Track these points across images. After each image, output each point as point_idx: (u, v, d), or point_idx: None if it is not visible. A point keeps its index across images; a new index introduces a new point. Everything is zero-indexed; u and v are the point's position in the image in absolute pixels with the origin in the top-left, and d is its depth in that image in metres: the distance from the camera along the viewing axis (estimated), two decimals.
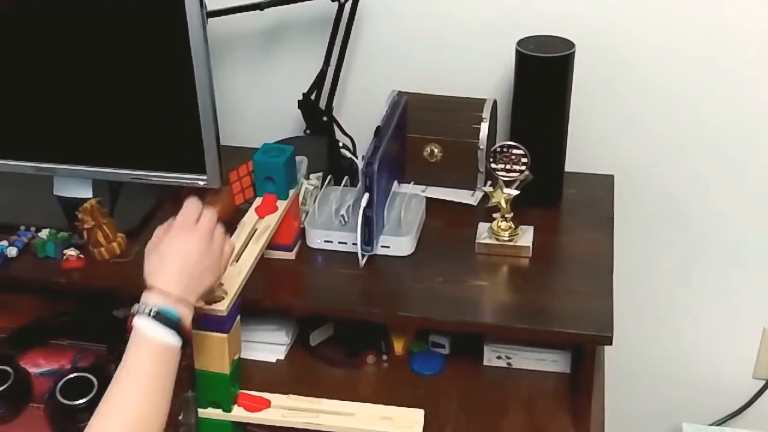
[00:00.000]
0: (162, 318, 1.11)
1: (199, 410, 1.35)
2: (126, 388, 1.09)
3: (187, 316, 1.14)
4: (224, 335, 1.28)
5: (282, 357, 1.58)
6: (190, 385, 1.41)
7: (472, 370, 1.56)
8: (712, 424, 1.95)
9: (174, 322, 1.11)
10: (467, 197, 1.66)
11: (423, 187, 1.66)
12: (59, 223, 1.58)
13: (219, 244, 1.19)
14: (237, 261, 1.35)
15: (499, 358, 1.56)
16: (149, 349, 1.10)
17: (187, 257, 1.15)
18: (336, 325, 1.61)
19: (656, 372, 1.97)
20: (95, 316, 1.62)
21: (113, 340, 1.57)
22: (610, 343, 1.35)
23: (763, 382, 1.93)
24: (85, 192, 1.62)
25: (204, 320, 1.27)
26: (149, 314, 1.11)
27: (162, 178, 1.58)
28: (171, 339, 1.11)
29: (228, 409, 1.35)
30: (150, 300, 1.12)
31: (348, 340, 1.60)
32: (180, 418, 1.44)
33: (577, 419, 1.43)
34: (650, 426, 2.01)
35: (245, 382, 1.40)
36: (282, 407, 1.37)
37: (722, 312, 1.88)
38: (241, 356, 1.39)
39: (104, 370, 1.50)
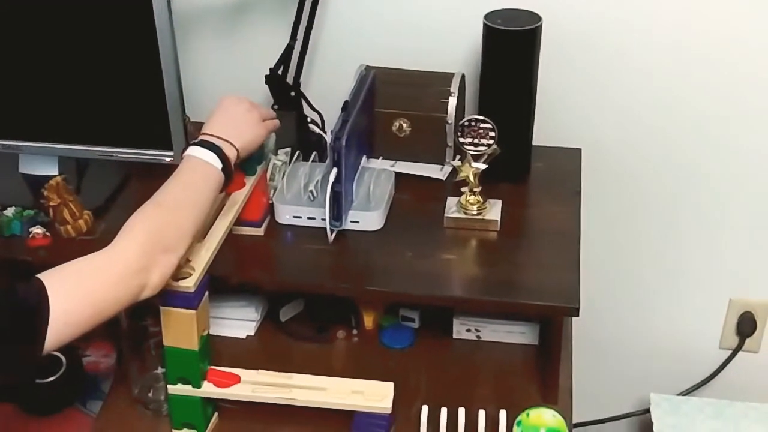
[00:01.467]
0: (206, 144, 1.32)
1: (169, 387, 1.35)
2: (176, 191, 1.27)
3: (229, 150, 1.34)
4: (192, 311, 1.28)
5: (252, 333, 1.58)
6: (159, 362, 1.41)
7: (441, 343, 1.57)
8: (679, 394, 1.97)
9: (217, 147, 1.32)
10: (436, 172, 1.66)
11: (392, 162, 1.66)
12: (25, 201, 1.56)
13: (260, 112, 1.44)
14: (204, 237, 1.35)
15: (468, 331, 1.57)
16: (195, 165, 1.30)
17: (231, 113, 1.40)
18: (306, 300, 1.61)
19: (624, 343, 1.99)
20: None
21: None
22: (577, 315, 1.36)
23: (729, 352, 1.96)
24: (50, 169, 1.60)
25: (172, 297, 1.27)
26: (197, 144, 1.32)
27: (128, 155, 1.56)
28: (214, 160, 1.31)
29: (197, 385, 1.35)
30: (199, 137, 1.35)
31: (318, 316, 1.61)
32: (149, 394, 1.45)
33: (545, 390, 1.45)
34: (618, 397, 2.03)
35: (215, 359, 1.40)
36: (252, 382, 1.37)
37: (688, 283, 1.90)
38: (211, 333, 1.39)
39: (73, 348, 1.50)
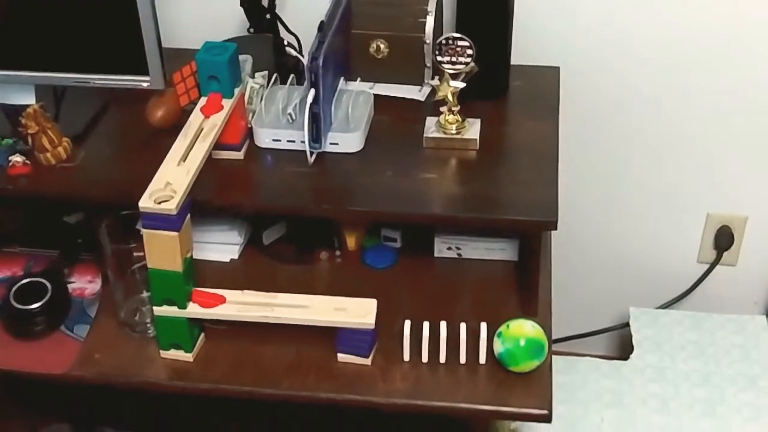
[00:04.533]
0: None
1: (155, 308, 1.37)
2: None
3: None
4: (175, 234, 1.29)
5: (236, 257, 1.60)
6: (145, 286, 1.43)
7: (423, 262, 1.59)
8: (658, 308, 2.01)
9: None
10: (415, 93, 1.66)
11: (370, 84, 1.66)
12: (3, 130, 1.56)
13: None
14: (184, 161, 1.35)
15: (449, 249, 1.59)
16: None
17: None
18: (288, 223, 1.62)
19: (603, 259, 2.02)
20: (45, 222, 1.62)
21: (65, 246, 1.58)
22: (555, 228, 1.39)
23: (707, 266, 1.99)
24: (27, 98, 1.60)
25: (154, 219, 1.28)
26: None
27: (105, 81, 1.56)
28: None
29: (183, 306, 1.37)
30: None
31: (301, 238, 1.62)
32: (136, 318, 1.47)
33: (525, 303, 1.47)
34: (598, 311, 2.07)
35: (200, 283, 1.41)
36: (237, 302, 1.39)
37: (666, 199, 1.92)
38: (195, 257, 1.41)
39: (58, 274, 1.51)
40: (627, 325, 1.95)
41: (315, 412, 1.97)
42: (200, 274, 1.44)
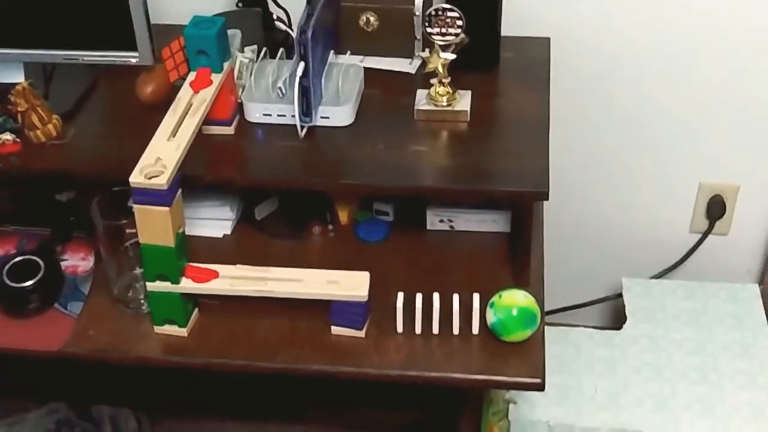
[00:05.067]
0: None
1: (148, 284, 1.37)
2: None
3: None
4: (166, 209, 1.29)
5: (228, 232, 1.60)
6: (137, 263, 1.43)
7: (416, 235, 1.59)
8: (651, 278, 2.02)
9: None
10: (405, 65, 1.66)
11: (360, 57, 1.65)
12: None
13: None
14: (174, 136, 1.35)
15: (441, 221, 1.59)
16: None
17: None
18: (280, 198, 1.62)
19: (595, 229, 2.02)
20: (37, 201, 1.62)
21: (57, 224, 1.58)
22: (547, 198, 1.39)
23: (699, 236, 2.00)
24: (16, 76, 1.59)
25: (145, 195, 1.28)
26: None
27: (94, 58, 1.55)
28: None
29: (176, 281, 1.37)
30: None
31: (293, 213, 1.62)
32: (129, 294, 1.47)
33: (517, 274, 1.48)
34: (591, 282, 2.08)
35: (193, 258, 1.41)
36: (230, 277, 1.40)
37: (658, 169, 1.93)
38: (188, 233, 1.41)
39: (50, 252, 1.51)
40: (620, 295, 1.95)
41: (309, 387, 1.98)
42: (193, 250, 1.45)
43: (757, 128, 1.86)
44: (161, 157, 1.30)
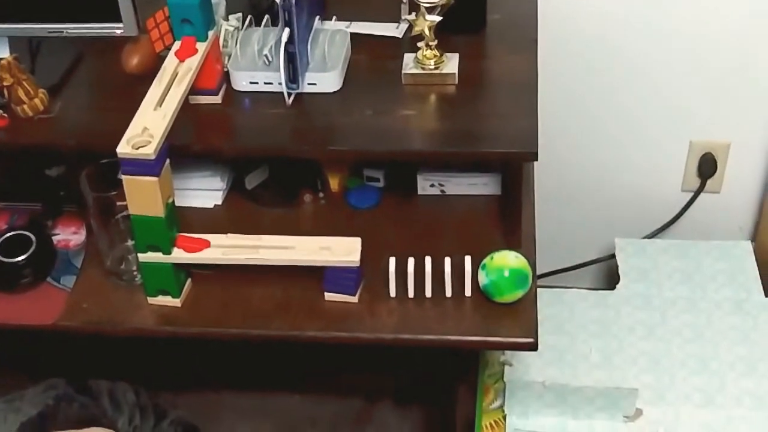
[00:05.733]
0: None
1: (140, 255, 1.37)
2: None
3: None
4: (154, 179, 1.29)
5: (219, 202, 1.60)
6: (129, 235, 1.43)
7: (407, 200, 1.59)
8: (644, 238, 2.03)
9: None
10: (392, 30, 1.65)
11: (346, 22, 1.64)
12: None
13: None
14: (161, 105, 1.34)
15: (432, 186, 1.59)
16: None
17: None
18: (270, 167, 1.62)
19: (587, 190, 2.03)
20: (27, 176, 1.61)
21: (47, 199, 1.58)
22: (536, 159, 1.39)
23: (692, 194, 2.00)
24: (1, 51, 1.57)
25: (133, 165, 1.28)
26: None
27: (78, 30, 1.54)
28: None
29: (168, 252, 1.37)
30: None
31: (284, 182, 1.62)
32: (122, 266, 1.47)
33: (508, 236, 1.48)
34: (583, 243, 2.08)
35: (185, 229, 1.41)
36: (222, 246, 1.40)
37: (649, 128, 1.93)
38: (179, 204, 1.41)
39: (42, 227, 1.51)
40: (613, 256, 1.96)
41: (307, 357, 1.99)
42: (185, 221, 1.45)
43: (747, 85, 1.85)
44: (148, 126, 1.30)
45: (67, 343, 1.79)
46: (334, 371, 2.09)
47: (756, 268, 1.90)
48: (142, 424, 1.91)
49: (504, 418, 1.68)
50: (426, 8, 1.48)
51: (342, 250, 1.39)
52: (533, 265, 1.40)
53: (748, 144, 1.93)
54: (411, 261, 1.39)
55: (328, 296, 1.41)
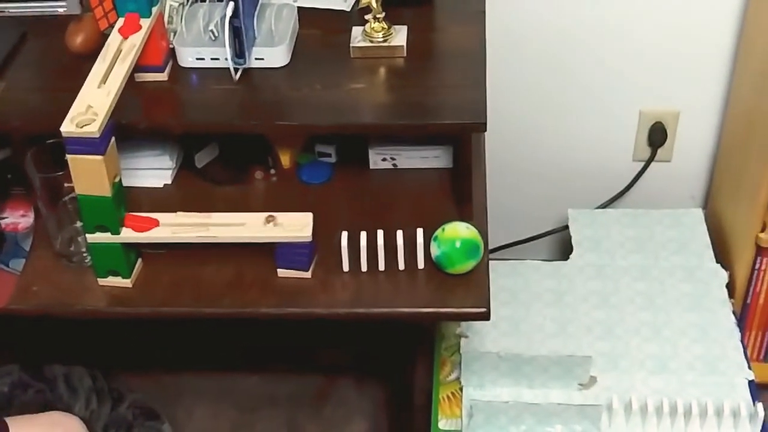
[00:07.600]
0: None
1: (88, 236, 1.36)
2: None
3: None
4: (100, 157, 1.27)
5: (169, 181, 1.58)
6: (78, 217, 1.41)
7: (359, 174, 1.59)
8: (597, 208, 2.04)
9: None
10: (340, 3, 1.63)
11: None
12: None
13: None
14: (105, 83, 1.32)
15: (384, 160, 1.59)
16: None
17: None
18: (221, 144, 1.61)
19: (539, 163, 2.03)
20: None
21: None
22: (485, 130, 1.39)
23: (643, 163, 2.02)
24: None
25: (78, 144, 1.26)
26: None
27: (20, 9, 1.51)
28: None
29: (116, 232, 1.35)
30: None
31: (234, 159, 1.60)
32: (71, 248, 1.45)
33: (460, 208, 1.48)
34: (536, 214, 2.09)
35: (134, 209, 1.40)
36: (171, 224, 1.38)
37: (598, 98, 1.94)
38: (128, 184, 1.39)
39: None
40: (566, 227, 1.97)
41: (263, 336, 1.99)
42: (134, 201, 1.43)
43: (695, 53, 1.87)
44: (92, 104, 1.28)
45: (20, 328, 1.77)
46: (292, 350, 2.09)
47: (707, 235, 1.93)
48: (99, 409, 1.90)
49: (461, 389, 1.69)
50: None
51: (293, 226, 1.38)
52: (485, 236, 1.41)
53: (697, 112, 1.95)
54: (363, 235, 1.39)
55: (281, 272, 1.41)
